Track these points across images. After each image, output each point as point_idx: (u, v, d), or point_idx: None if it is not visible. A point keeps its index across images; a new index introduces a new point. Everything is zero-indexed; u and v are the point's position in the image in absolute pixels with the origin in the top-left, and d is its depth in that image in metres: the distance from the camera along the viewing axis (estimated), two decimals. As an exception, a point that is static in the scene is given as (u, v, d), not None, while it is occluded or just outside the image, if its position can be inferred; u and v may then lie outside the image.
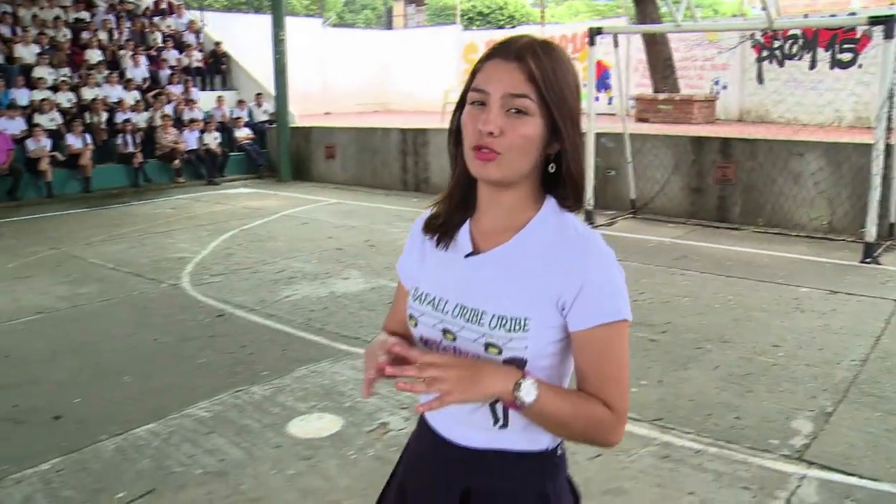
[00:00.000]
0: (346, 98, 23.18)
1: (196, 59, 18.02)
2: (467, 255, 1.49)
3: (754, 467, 3.54)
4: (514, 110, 1.36)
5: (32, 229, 10.52)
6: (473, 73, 1.43)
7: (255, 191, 14.03)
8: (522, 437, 1.45)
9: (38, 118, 13.78)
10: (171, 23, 18.94)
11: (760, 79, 15.30)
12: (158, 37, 18.11)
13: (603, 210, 10.15)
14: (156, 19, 18.76)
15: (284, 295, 6.76)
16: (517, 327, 1.37)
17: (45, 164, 13.22)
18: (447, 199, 1.55)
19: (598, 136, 10.13)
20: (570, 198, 1.46)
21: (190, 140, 15.11)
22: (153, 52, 17.52)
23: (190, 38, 18.72)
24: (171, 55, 17.60)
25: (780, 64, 14.88)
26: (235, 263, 8.01)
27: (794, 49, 14.60)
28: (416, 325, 1.51)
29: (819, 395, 4.37)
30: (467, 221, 1.52)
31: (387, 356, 1.41)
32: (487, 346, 1.39)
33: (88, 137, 14.00)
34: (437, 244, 1.54)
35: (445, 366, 1.31)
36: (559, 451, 1.50)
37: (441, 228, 1.54)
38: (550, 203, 1.47)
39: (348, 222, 10.41)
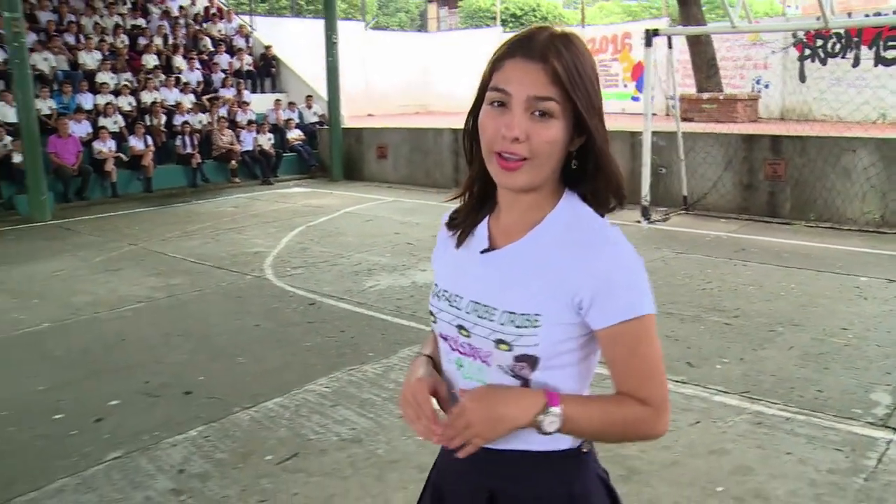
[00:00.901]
0: (387, 99, 23.64)
1: (247, 62, 18.53)
2: (482, 252, 1.48)
3: (843, 432, 3.87)
4: (538, 113, 1.32)
5: (107, 226, 11.01)
6: (491, 70, 1.38)
7: (311, 190, 14.48)
8: (546, 437, 1.40)
9: (103, 121, 14.32)
10: (221, 27, 19.47)
11: (803, 77, 15.53)
12: (209, 41, 18.65)
13: (655, 206, 10.45)
14: (206, 24, 19.30)
15: (368, 285, 7.16)
16: (527, 324, 1.36)
17: (110, 165, 13.75)
18: (464, 197, 1.55)
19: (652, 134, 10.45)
20: (603, 193, 1.43)
21: (246, 141, 15.60)
22: (205, 57, 18.06)
23: (240, 42, 19.25)
24: (223, 59, 18.11)
25: (823, 62, 15.11)
26: (312, 257, 8.43)
27: (837, 47, 14.83)
28: (435, 321, 1.52)
29: (893, 371, 4.68)
30: (486, 218, 1.51)
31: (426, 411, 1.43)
32: (498, 342, 1.38)
33: (149, 139, 14.54)
34: (458, 242, 1.53)
35: (468, 413, 1.34)
36: (585, 448, 1.48)
37: (461, 226, 1.54)
38: (569, 198, 1.44)
39: (411, 219, 10.81)
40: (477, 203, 1.52)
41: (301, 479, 3.60)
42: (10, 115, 13.70)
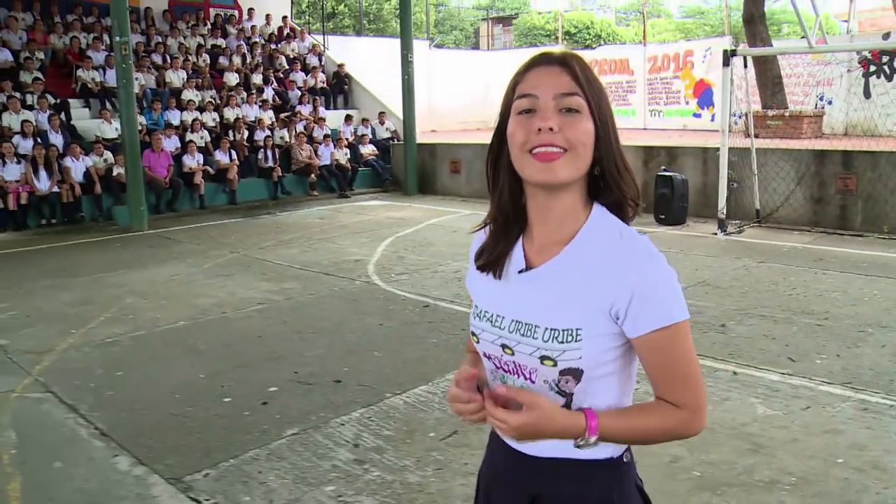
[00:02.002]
0: (448, 116, 24.27)
1: (321, 80, 19.28)
2: (520, 272, 1.51)
3: (943, 418, 4.30)
4: (566, 109, 1.38)
5: (203, 236, 11.72)
6: (514, 86, 1.45)
7: (388, 203, 15.10)
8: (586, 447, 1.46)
9: (190, 136, 15.11)
10: (295, 46, 20.28)
11: (867, 93, 15.79)
12: (284, 60, 19.45)
13: (729, 219, 10.85)
14: (281, 44, 20.12)
15: (472, 289, 7.68)
16: (569, 338, 1.40)
17: (199, 178, 14.53)
18: (490, 227, 1.58)
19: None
20: (626, 202, 1.49)
21: (323, 156, 16.30)
22: (280, 75, 18.84)
23: (313, 60, 20.03)
24: (299, 77, 18.88)
25: (889, 79, 15.39)
26: (411, 265, 9.00)
27: (903, 64, 15.09)
28: (478, 341, 1.56)
29: (982, 367, 5.09)
30: (520, 238, 1.54)
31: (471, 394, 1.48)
32: (543, 358, 1.43)
33: (234, 153, 15.30)
34: (495, 273, 1.55)
35: (520, 419, 1.38)
36: (625, 458, 1.54)
37: (491, 262, 1.55)
38: (598, 209, 1.48)
39: (493, 230, 11.32)
40: (502, 233, 1.55)
41: (466, 451, 4.12)
42: (107, 131, 14.59)
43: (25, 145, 13.22)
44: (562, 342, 1.40)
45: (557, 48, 1.48)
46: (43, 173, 12.93)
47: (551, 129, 1.36)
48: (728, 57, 10.18)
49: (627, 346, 1.44)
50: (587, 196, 1.48)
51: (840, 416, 4.36)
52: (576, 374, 1.41)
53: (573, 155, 1.38)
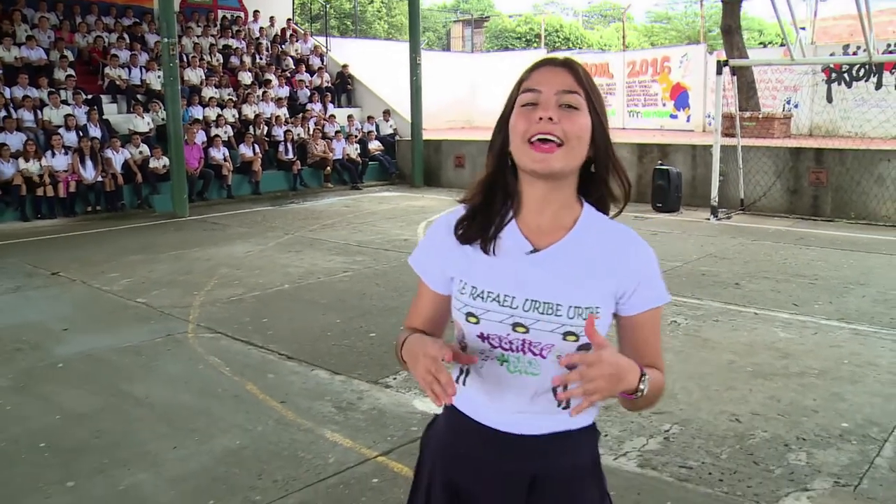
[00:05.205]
0: (436, 115, 25.64)
1: (326, 80, 20.61)
2: (528, 253, 1.57)
3: (914, 338, 5.92)
4: (566, 105, 1.48)
5: (248, 221, 13.02)
6: (520, 84, 1.57)
7: (402, 194, 16.55)
8: (580, 416, 1.58)
9: (215, 130, 16.37)
10: (298, 47, 21.56)
11: (830, 98, 17.64)
12: (290, 61, 20.74)
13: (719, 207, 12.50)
14: (285, 45, 21.38)
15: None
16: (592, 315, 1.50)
17: (227, 170, 15.81)
18: (482, 201, 1.63)
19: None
20: (608, 198, 1.62)
21: (336, 150, 17.67)
22: (288, 74, 20.13)
23: (315, 61, 21.34)
24: (306, 76, 20.18)
25: (849, 85, 17.26)
26: (457, 242, 10.42)
27: (862, 72, 16.97)
28: (477, 322, 1.57)
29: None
30: (512, 221, 1.60)
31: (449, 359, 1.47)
32: (566, 334, 1.51)
33: (257, 147, 16.60)
34: (484, 246, 1.59)
35: (602, 366, 1.36)
36: (596, 424, 1.67)
37: (481, 233, 1.60)
38: (587, 204, 1.61)
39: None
40: (488, 213, 1.61)
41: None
42: (140, 125, 15.79)
43: (70, 138, 14.39)
44: (585, 319, 1.49)
45: (561, 55, 1.66)
46: (89, 163, 14.12)
47: (550, 119, 1.47)
48: (720, 66, 11.80)
49: (612, 322, 1.62)
50: (578, 193, 1.61)
51: (840, 337, 5.96)
52: (588, 348, 1.46)
53: (568, 147, 1.48)
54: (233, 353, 6.03)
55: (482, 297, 1.56)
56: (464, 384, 1.65)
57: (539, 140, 1.48)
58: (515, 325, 1.53)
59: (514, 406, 1.58)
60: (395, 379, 5.33)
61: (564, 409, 1.56)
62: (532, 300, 1.52)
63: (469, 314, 1.58)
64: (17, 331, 6.70)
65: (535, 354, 1.54)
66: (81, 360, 5.93)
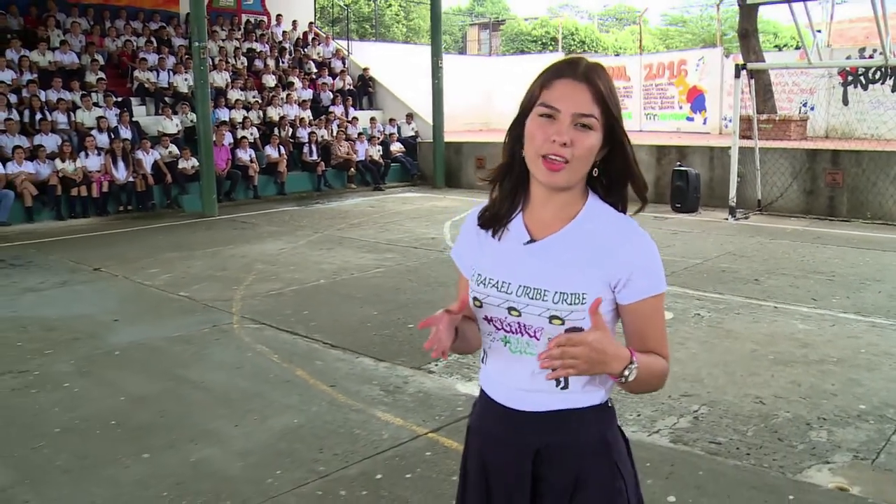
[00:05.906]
0: (453, 118, 25.95)
1: (348, 82, 20.99)
2: (526, 243, 1.71)
3: (928, 330, 6.21)
4: (580, 125, 1.60)
5: (277, 220, 13.38)
6: (541, 87, 1.65)
7: (424, 195, 16.90)
8: (582, 396, 1.69)
9: (242, 132, 16.76)
10: (320, 51, 21.95)
11: (846, 101, 17.87)
12: (312, 64, 21.12)
13: (735, 208, 12.78)
14: (307, 49, 21.78)
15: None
16: (576, 301, 1.61)
17: (253, 170, 16.19)
18: (496, 187, 1.79)
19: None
20: (624, 194, 1.74)
21: (359, 152, 18.03)
22: (311, 77, 20.51)
23: (337, 64, 21.72)
24: (328, 79, 20.56)
25: (865, 88, 17.48)
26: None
27: (878, 75, 17.20)
28: (480, 305, 1.73)
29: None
30: (520, 214, 1.75)
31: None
32: (552, 318, 1.63)
33: (282, 149, 16.98)
34: (494, 234, 1.77)
35: (585, 345, 1.50)
36: (610, 404, 1.75)
37: (494, 220, 1.77)
38: (593, 197, 1.72)
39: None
40: (507, 196, 1.76)
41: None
42: (168, 127, 16.20)
43: (102, 139, 14.82)
44: (570, 304, 1.61)
45: (583, 60, 1.66)
46: (120, 164, 14.52)
47: (565, 144, 1.59)
48: (739, 70, 12.08)
49: (615, 311, 1.69)
50: (585, 187, 1.72)
51: (857, 329, 6.25)
52: (579, 332, 1.55)
53: (572, 167, 1.61)
54: (279, 343, 6.36)
55: (484, 284, 1.72)
56: (484, 363, 1.83)
57: (550, 158, 1.61)
58: (510, 309, 1.67)
59: (517, 384, 1.71)
60: (437, 365, 5.65)
61: (563, 388, 1.68)
62: (524, 286, 1.66)
63: (475, 299, 1.74)
64: (72, 321, 7.08)
65: (530, 336, 1.67)
66: (136, 349, 6.28)
